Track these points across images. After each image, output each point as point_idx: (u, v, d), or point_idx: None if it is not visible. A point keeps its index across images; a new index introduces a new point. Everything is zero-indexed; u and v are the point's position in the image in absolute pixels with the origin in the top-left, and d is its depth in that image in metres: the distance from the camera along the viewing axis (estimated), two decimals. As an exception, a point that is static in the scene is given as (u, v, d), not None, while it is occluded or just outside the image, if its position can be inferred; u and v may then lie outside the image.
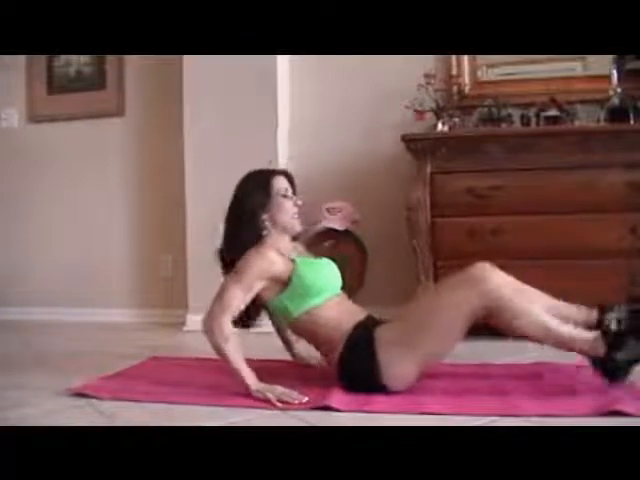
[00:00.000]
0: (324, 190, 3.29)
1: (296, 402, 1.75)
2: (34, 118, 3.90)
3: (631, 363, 1.74)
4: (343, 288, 2.03)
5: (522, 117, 2.96)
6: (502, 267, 1.85)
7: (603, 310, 1.84)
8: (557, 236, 2.68)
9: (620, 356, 1.72)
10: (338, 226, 3.15)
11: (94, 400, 1.87)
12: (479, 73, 3.23)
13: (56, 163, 3.86)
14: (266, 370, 1.96)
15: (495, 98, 3.01)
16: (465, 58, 3.20)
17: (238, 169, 2.07)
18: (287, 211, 1.99)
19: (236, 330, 1.89)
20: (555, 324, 1.76)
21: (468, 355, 2.19)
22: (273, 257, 1.89)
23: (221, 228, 1.99)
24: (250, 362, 1.88)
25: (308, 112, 3.41)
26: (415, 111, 3.08)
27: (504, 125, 2.94)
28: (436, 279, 2.75)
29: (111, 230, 3.79)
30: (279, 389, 1.79)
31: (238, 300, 1.86)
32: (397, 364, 1.78)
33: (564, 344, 1.77)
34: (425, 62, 3.13)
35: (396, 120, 3.17)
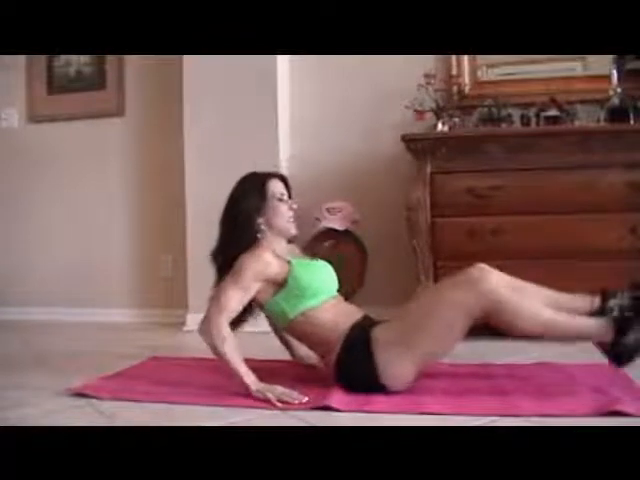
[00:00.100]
0: (324, 190, 3.29)
1: (296, 402, 1.75)
2: (34, 118, 3.90)
3: (639, 346, 1.74)
4: (339, 290, 2.04)
5: (522, 117, 2.96)
6: (502, 267, 1.85)
7: (605, 297, 1.84)
8: (557, 236, 2.68)
9: (628, 340, 1.72)
10: (338, 226, 3.15)
11: (94, 400, 1.86)
12: (479, 73, 3.23)
13: (56, 163, 3.86)
14: (266, 370, 1.96)
15: (495, 98, 3.01)
16: (465, 58, 3.20)
17: (238, 169, 2.07)
18: (282, 215, 1.99)
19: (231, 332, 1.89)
20: (558, 317, 1.76)
21: (468, 355, 2.19)
22: (269, 259, 1.90)
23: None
24: (250, 362, 1.88)
25: (308, 112, 3.41)
26: (415, 111, 3.08)
27: (504, 125, 2.94)
28: (436, 279, 2.75)
29: (111, 230, 3.79)
30: (279, 389, 1.79)
31: (235, 302, 1.86)
32: (395, 364, 1.78)
33: (570, 334, 1.77)
34: (425, 62, 3.13)
35: (396, 120, 3.17)
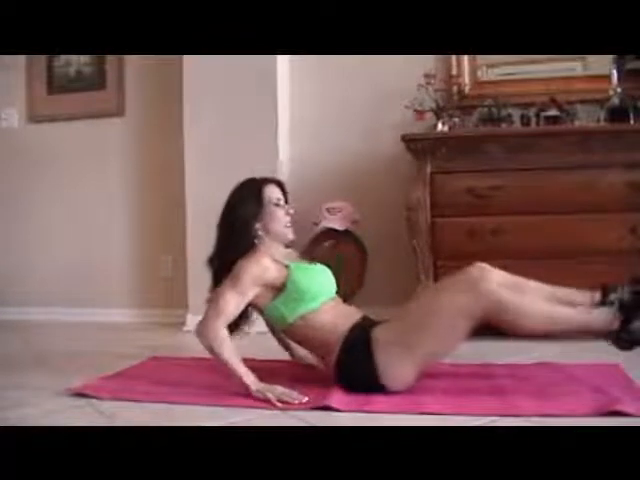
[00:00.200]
0: (324, 190, 3.29)
1: (296, 402, 1.75)
2: (34, 118, 3.90)
3: None
4: (338, 291, 2.04)
5: (522, 117, 2.96)
6: (502, 267, 1.86)
7: (606, 291, 1.84)
8: (557, 236, 2.68)
9: (635, 326, 1.73)
10: (338, 226, 3.15)
11: (94, 400, 1.86)
12: (479, 73, 3.23)
13: (56, 163, 3.86)
14: (266, 370, 1.97)
15: (495, 98, 3.01)
16: (465, 58, 3.20)
17: (238, 169, 2.08)
18: (279, 220, 2.00)
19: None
20: (561, 310, 1.77)
21: (469, 355, 2.19)
22: (266, 263, 1.90)
23: None
24: (250, 362, 1.89)
25: (308, 112, 3.41)
26: (415, 111, 3.08)
27: (504, 125, 2.94)
28: (436, 279, 2.75)
29: (111, 230, 3.79)
30: (279, 389, 1.79)
31: (232, 306, 1.87)
32: (395, 365, 1.78)
33: (575, 327, 1.78)
34: (425, 62, 3.13)
35: (396, 120, 3.17)
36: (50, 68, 3.85)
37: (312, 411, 1.70)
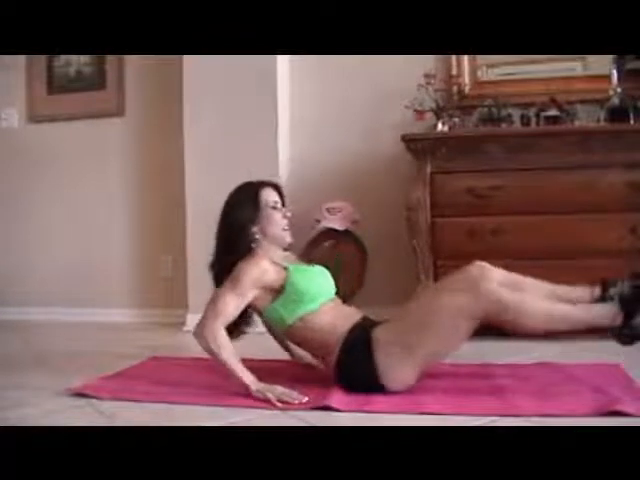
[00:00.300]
0: (324, 190, 3.29)
1: (296, 402, 1.75)
2: (34, 118, 3.90)
3: None
4: (337, 292, 2.04)
5: (522, 117, 2.96)
6: (502, 267, 1.86)
7: (605, 286, 1.84)
8: (557, 236, 2.68)
9: (636, 322, 1.73)
10: (338, 226, 3.15)
11: (94, 400, 1.86)
12: (479, 73, 3.23)
13: (56, 163, 3.86)
14: (266, 370, 1.97)
15: (495, 98, 3.01)
16: (465, 58, 3.20)
17: (238, 169, 2.08)
18: (277, 223, 2.00)
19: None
20: (562, 307, 1.78)
21: (469, 355, 2.19)
22: (265, 265, 1.90)
23: None
24: (249, 362, 1.89)
25: (308, 112, 3.41)
26: (415, 111, 3.08)
27: (504, 125, 2.94)
28: (436, 279, 2.74)
29: (111, 230, 3.79)
30: (279, 389, 1.79)
31: (231, 307, 1.87)
32: (395, 365, 1.78)
33: (577, 324, 1.78)
34: (425, 62, 3.13)
35: (396, 120, 3.17)
36: (50, 68, 3.85)
37: (312, 411, 1.70)
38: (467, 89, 3.18)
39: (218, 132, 3.26)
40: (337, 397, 1.77)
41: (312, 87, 3.42)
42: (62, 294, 3.80)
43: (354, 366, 1.82)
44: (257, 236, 1.98)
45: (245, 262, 1.91)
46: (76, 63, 3.82)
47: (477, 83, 3.21)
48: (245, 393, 1.81)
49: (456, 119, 3.04)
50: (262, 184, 2.05)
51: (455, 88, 3.16)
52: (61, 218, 3.86)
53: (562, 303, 1.80)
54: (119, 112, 3.75)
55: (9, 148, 3.92)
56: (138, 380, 2.09)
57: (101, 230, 3.79)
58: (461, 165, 2.81)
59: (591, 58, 3.05)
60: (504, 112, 2.96)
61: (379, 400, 1.75)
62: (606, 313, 1.76)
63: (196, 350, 1.93)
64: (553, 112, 2.88)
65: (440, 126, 2.99)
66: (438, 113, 3.02)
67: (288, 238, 2.04)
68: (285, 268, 1.92)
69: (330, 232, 3.16)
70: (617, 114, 2.76)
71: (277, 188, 2.08)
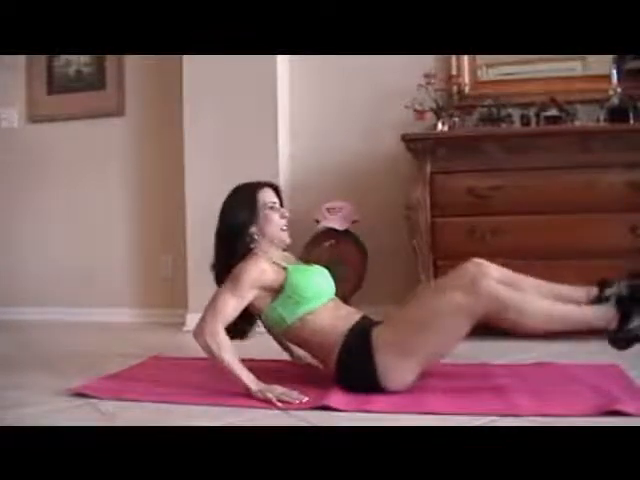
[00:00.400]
0: (324, 190, 3.29)
1: (296, 402, 1.75)
2: (34, 118, 3.90)
3: None
4: (337, 293, 2.03)
5: (522, 117, 2.96)
6: (502, 267, 1.86)
7: (603, 286, 1.84)
8: (557, 236, 2.68)
9: (632, 324, 1.73)
10: (338, 226, 3.15)
11: (94, 400, 1.86)
12: (479, 73, 3.23)
13: (56, 163, 3.86)
14: (266, 370, 1.97)
15: (495, 98, 3.01)
16: (465, 58, 3.20)
17: (238, 169, 2.08)
18: (275, 223, 2.00)
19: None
20: (560, 307, 1.78)
21: (469, 355, 2.19)
22: (264, 266, 1.90)
23: None
24: (249, 362, 1.89)
25: (308, 112, 3.41)
26: (415, 111, 3.08)
27: (504, 125, 2.94)
28: (436, 279, 2.74)
29: (111, 230, 3.79)
30: (279, 389, 1.79)
31: (230, 308, 1.87)
32: (395, 365, 1.78)
33: (575, 324, 1.77)
34: (425, 62, 3.14)
35: (396, 120, 3.17)
36: (50, 68, 3.85)
37: (312, 411, 1.70)
38: (467, 89, 3.18)
39: (218, 132, 3.26)
40: (337, 397, 1.77)
41: (312, 87, 3.42)
42: (62, 294, 3.80)
43: (354, 366, 1.82)
44: (256, 237, 1.98)
45: (244, 263, 1.91)
46: (76, 63, 3.82)
47: (477, 83, 3.21)
48: (245, 393, 1.81)
49: (456, 119, 3.04)
50: (259, 185, 2.05)
51: (455, 88, 3.16)
52: (61, 218, 3.86)
53: (561, 303, 1.80)
54: (119, 112, 3.75)
55: (9, 148, 3.92)
56: (138, 380, 2.09)
57: (101, 230, 3.79)
58: (461, 165, 2.81)
59: (591, 58, 3.06)
60: (504, 112, 2.96)
61: (379, 400, 1.75)
62: (602, 315, 1.76)
63: (196, 350, 1.93)
64: (553, 112, 2.88)
65: (440, 126, 2.99)
66: (438, 113, 3.02)
67: (287, 238, 2.04)
68: (284, 268, 1.92)
69: (330, 232, 3.16)
70: (617, 114, 2.76)
71: (275, 188, 2.08)
